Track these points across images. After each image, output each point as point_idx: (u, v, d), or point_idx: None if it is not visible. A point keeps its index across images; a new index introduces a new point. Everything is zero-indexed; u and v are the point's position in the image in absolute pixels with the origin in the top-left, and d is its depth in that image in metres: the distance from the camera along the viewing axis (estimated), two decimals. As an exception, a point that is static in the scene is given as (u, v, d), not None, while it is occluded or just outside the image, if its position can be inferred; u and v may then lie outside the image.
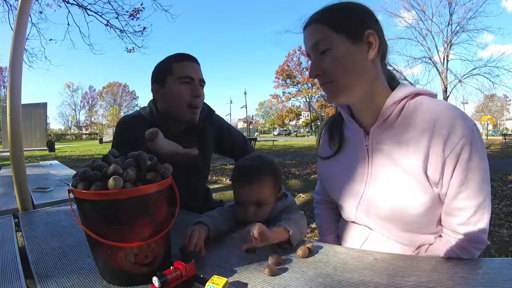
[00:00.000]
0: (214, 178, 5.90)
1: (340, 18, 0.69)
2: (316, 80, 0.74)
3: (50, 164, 3.36)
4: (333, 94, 0.73)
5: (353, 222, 0.84)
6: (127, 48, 8.19)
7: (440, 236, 0.73)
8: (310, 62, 0.74)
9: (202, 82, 1.09)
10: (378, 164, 0.74)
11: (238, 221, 0.89)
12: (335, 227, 0.95)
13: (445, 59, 16.21)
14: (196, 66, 1.08)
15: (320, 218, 0.99)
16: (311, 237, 2.54)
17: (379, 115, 0.72)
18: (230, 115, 44.95)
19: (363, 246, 0.80)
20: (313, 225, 2.67)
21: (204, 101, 1.31)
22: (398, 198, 0.69)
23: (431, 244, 0.74)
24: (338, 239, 0.92)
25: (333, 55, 0.68)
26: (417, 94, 0.71)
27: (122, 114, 47.41)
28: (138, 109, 1.20)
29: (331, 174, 0.87)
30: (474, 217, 0.65)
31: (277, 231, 0.72)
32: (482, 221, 0.66)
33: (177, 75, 1.04)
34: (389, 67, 0.79)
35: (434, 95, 0.72)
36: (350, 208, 0.80)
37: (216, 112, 1.27)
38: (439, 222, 0.72)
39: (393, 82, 0.76)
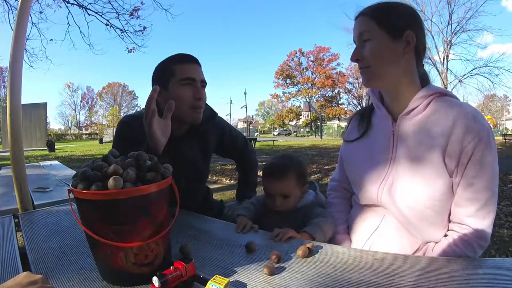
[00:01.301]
0: (214, 178, 5.90)
1: (385, 15, 0.78)
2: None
3: (50, 164, 3.37)
4: (367, 79, 0.82)
5: (368, 206, 0.87)
6: (127, 48, 8.17)
7: (447, 235, 0.75)
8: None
9: (203, 83, 1.08)
10: (402, 148, 0.79)
11: (269, 208, 1.02)
12: (346, 218, 0.97)
13: (445, 59, 16.22)
14: (198, 68, 1.08)
15: (333, 207, 1.02)
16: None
17: (407, 105, 0.79)
18: (230, 115, 44.96)
19: (373, 235, 0.83)
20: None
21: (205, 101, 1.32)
22: (417, 181, 0.74)
23: (438, 242, 0.76)
24: (348, 230, 0.94)
25: (372, 46, 0.78)
26: (443, 94, 0.78)
27: (122, 114, 47.42)
28: (138, 109, 1.20)
29: (355, 155, 0.93)
30: (481, 211, 0.70)
31: (304, 235, 0.85)
32: (488, 218, 0.71)
33: (179, 77, 1.03)
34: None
35: (458, 99, 0.80)
36: (372, 188, 0.83)
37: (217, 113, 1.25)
38: (449, 218, 0.76)
39: (425, 81, 0.83)
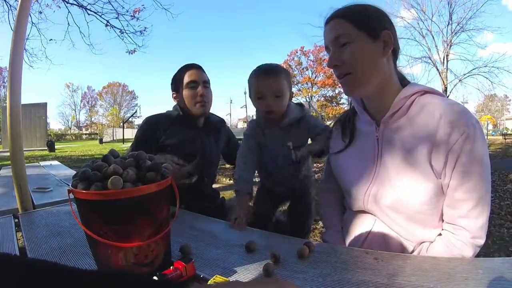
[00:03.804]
0: (214, 178, 5.89)
1: (361, 16, 0.75)
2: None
3: (50, 164, 3.37)
4: (351, 87, 0.78)
5: (359, 212, 0.85)
6: (128, 50, 8.14)
7: (441, 234, 0.74)
8: (328, 55, 0.79)
9: (206, 83, 1.34)
10: (387, 153, 0.77)
11: (262, 126, 1.09)
12: (340, 218, 0.96)
13: (445, 58, 16.22)
14: (200, 72, 1.34)
15: (325, 208, 1.01)
16: (311, 237, 2.54)
17: (390, 108, 0.76)
18: (230, 115, 44.93)
19: (366, 240, 0.81)
20: (314, 225, 2.67)
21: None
22: (404, 185, 0.72)
23: (432, 242, 0.75)
24: (342, 232, 0.93)
25: (353, 49, 0.74)
26: (426, 92, 0.75)
27: (122, 114, 47.55)
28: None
29: (342, 163, 0.90)
30: (474, 211, 0.68)
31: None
32: (482, 216, 0.68)
33: (185, 82, 1.32)
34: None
35: (442, 95, 0.76)
36: (359, 195, 0.82)
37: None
38: (441, 217, 0.74)
39: (403, 80, 0.81)
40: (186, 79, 1.31)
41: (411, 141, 0.72)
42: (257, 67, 1.07)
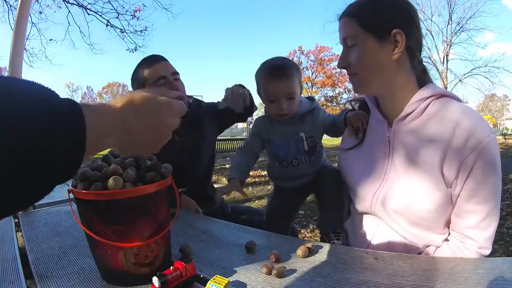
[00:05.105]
0: (214, 178, 5.90)
1: (370, 16, 0.72)
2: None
3: (50, 164, 3.35)
4: (356, 86, 0.79)
5: (365, 213, 0.84)
6: (129, 49, 8.15)
7: (447, 240, 0.74)
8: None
9: (175, 75, 1.13)
10: (398, 156, 0.75)
11: (271, 118, 1.00)
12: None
13: (445, 58, 16.23)
14: (164, 63, 1.12)
15: None
16: (311, 237, 2.55)
17: (403, 109, 0.74)
18: (230, 115, 44.89)
19: (371, 241, 0.81)
20: (313, 226, 2.67)
21: (202, 99, 1.36)
22: (412, 191, 0.71)
23: (438, 247, 0.74)
24: (346, 233, 0.92)
25: (358, 51, 0.73)
26: (443, 95, 0.72)
27: (122, 114, 47.47)
28: None
29: (351, 162, 0.89)
30: (483, 222, 0.67)
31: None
32: (490, 228, 0.68)
33: (151, 80, 1.09)
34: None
35: (459, 100, 0.73)
36: (367, 196, 0.80)
37: None
38: (447, 224, 0.73)
39: (424, 80, 0.76)
40: (152, 76, 1.09)
41: (423, 147, 0.70)
42: (266, 65, 0.97)
